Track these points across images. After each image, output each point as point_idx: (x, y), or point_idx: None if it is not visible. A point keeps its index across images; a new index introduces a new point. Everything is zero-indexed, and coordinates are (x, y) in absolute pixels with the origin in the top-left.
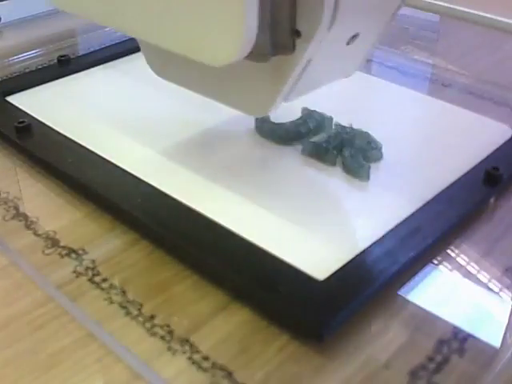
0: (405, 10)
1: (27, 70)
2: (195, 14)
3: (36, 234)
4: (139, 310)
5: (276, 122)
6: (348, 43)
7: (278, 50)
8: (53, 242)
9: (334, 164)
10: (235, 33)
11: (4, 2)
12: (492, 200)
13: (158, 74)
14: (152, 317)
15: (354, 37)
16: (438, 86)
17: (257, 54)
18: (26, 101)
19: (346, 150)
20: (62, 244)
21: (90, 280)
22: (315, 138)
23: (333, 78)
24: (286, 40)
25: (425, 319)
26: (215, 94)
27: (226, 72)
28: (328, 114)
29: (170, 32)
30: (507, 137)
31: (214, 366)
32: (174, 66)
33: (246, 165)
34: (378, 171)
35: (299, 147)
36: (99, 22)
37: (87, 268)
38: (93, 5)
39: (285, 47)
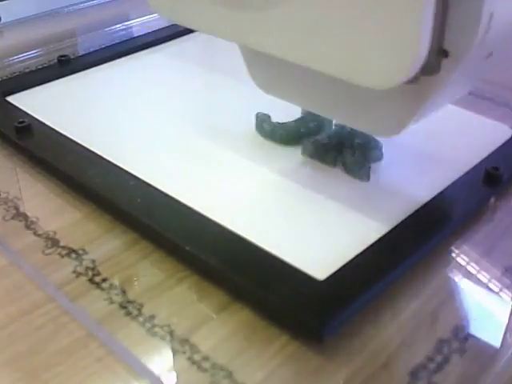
0: None
1: (27, 70)
2: (360, 33)
3: (36, 234)
4: (139, 310)
5: (276, 122)
6: (482, 62)
7: (423, 71)
8: (53, 242)
9: (333, 164)
10: (409, 52)
11: (4, 2)
12: (492, 200)
13: (264, 89)
14: (152, 317)
15: (489, 55)
16: None
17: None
18: (26, 101)
19: (346, 150)
20: (61, 244)
21: (90, 280)
22: (315, 138)
23: (458, 96)
24: (433, 60)
25: (425, 319)
26: (336, 113)
27: (352, 92)
28: None
29: (325, 52)
30: (507, 137)
31: (214, 366)
32: (286, 82)
33: (245, 165)
34: (378, 171)
35: (299, 147)
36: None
37: (87, 268)
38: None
39: (431, 67)
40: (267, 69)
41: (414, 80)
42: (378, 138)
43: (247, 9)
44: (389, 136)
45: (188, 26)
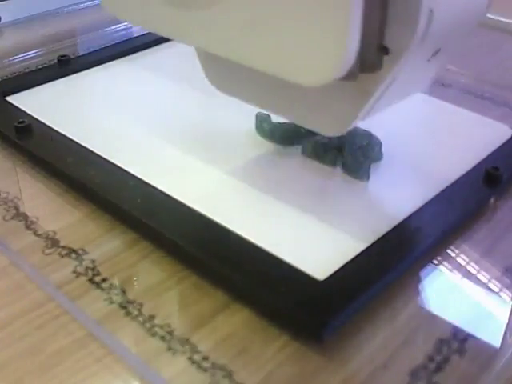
0: None
1: (27, 70)
2: (290, 31)
3: (36, 234)
4: (139, 310)
5: (276, 122)
6: (429, 59)
7: (364, 68)
8: (53, 242)
9: (333, 164)
10: (337, 50)
11: (4, 2)
12: (492, 200)
13: (218, 87)
14: (152, 317)
15: (436, 52)
16: (438, 86)
17: (347, 73)
18: (26, 101)
19: (346, 150)
20: (61, 244)
21: (90, 280)
22: (315, 138)
23: (407, 95)
24: (374, 57)
25: (425, 319)
26: (286, 112)
27: (301, 90)
28: None
29: (259, 50)
30: (507, 137)
31: (214, 366)
32: (238, 81)
33: (245, 165)
34: (378, 171)
35: (299, 147)
36: (179, 40)
37: (87, 268)
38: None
39: (372, 65)
40: (220, 67)
41: (352, 77)
42: (376, 139)
43: (188, 8)
44: (335, 134)
45: (136, 25)
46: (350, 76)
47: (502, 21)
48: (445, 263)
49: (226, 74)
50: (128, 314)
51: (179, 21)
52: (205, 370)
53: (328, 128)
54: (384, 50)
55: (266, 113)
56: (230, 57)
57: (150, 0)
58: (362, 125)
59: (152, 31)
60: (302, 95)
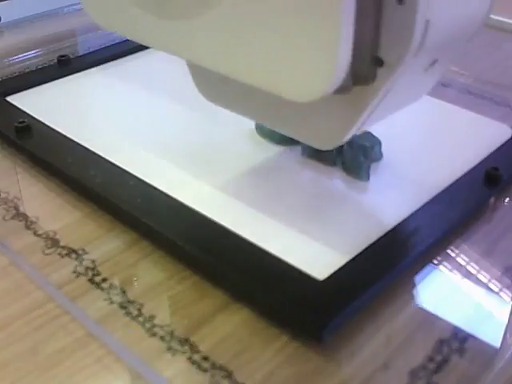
0: None
1: (27, 70)
2: (278, 44)
3: (36, 234)
4: (139, 310)
5: None
6: (426, 69)
7: (357, 80)
8: (53, 241)
9: (333, 164)
10: (327, 64)
11: (4, 2)
12: (492, 200)
13: (210, 99)
14: (152, 317)
15: (433, 63)
16: (438, 86)
17: (338, 88)
18: (25, 101)
19: (345, 150)
20: (61, 244)
21: (90, 280)
22: None
23: (404, 105)
24: (367, 69)
25: (425, 319)
26: (278, 125)
27: (294, 103)
28: None
29: (247, 63)
30: (507, 137)
31: (214, 366)
32: (229, 92)
33: (246, 165)
34: (378, 171)
35: (299, 147)
36: (168, 52)
37: (87, 268)
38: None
39: (365, 77)
40: (210, 78)
41: (344, 91)
42: (376, 139)
43: (174, 18)
44: (330, 147)
45: (119, 33)
46: (342, 89)
47: (502, 21)
48: (445, 263)
49: (216, 84)
50: (128, 313)
51: (165, 31)
52: (205, 370)
53: (321, 142)
54: (378, 62)
55: None
56: (217, 69)
57: (134, 9)
58: None
59: (137, 41)
60: (295, 108)
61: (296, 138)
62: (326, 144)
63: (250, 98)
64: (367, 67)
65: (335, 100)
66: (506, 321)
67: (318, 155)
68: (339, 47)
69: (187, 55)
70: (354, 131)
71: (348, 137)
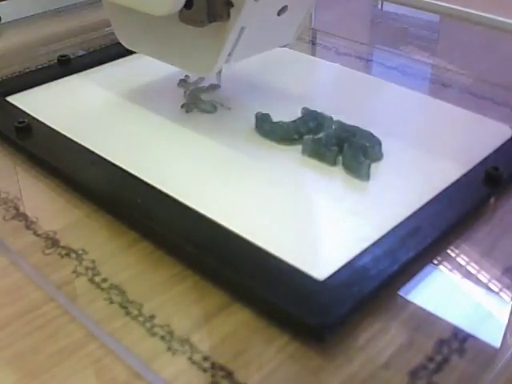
0: (405, 10)
1: (27, 70)
2: None
3: (36, 234)
4: (139, 310)
5: (276, 121)
6: (279, 14)
7: (215, 18)
8: (53, 241)
9: (334, 164)
10: None
11: (4, 2)
12: (492, 200)
13: (127, 44)
14: (152, 317)
15: (284, 8)
16: (438, 86)
17: (196, 20)
18: (26, 101)
19: (346, 149)
20: (61, 244)
21: (90, 280)
22: (315, 138)
23: (268, 46)
24: (221, 9)
25: (425, 319)
26: (169, 58)
27: (178, 38)
28: (328, 113)
29: None
30: (507, 137)
31: (214, 366)
32: (138, 36)
33: (246, 165)
34: (378, 171)
35: (299, 147)
36: None
37: (87, 268)
38: None
39: (220, 15)
40: (126, 24)
41: (202, 24)
42: (376, 139)
43: None
44: (204, 74)
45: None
46: (199, 24)
47: (502, 21)
48: (445, 263)
49: (131, 29)
50: (128, 313)
51: None
52: (205, 370)
53: (196, 68)
54: (230, 4)
55: (266, 112)
56: None
57: None
58: (362, 125)
59: None
60: (178, 41)
61: (181, 68)
62: (202, 71)
63: (154, 37)
64: (222, 8)
65: (203, 34)
66: (506, 321)
67: (318, 155)
68: None
69: None
70: (221, 62)
71: (218, 66)
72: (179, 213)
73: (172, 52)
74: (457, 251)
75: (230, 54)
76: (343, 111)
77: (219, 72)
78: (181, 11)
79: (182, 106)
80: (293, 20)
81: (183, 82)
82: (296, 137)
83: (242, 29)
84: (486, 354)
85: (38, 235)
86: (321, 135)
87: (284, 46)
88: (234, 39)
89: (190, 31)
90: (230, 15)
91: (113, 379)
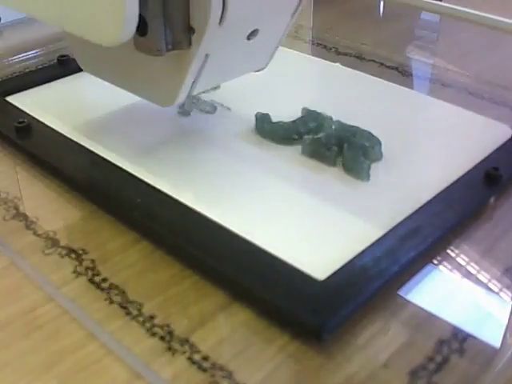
0: (405, 10)
1: (27, 70)
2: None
3: (36, 234)
4: (139, 310)
5: (276, 122)
6: (249, 38)
7: (175, 46)
8: (53, 241)
9: (333, 164)
10: (119, 19)
11: None
12: (492, 200)
13: (85, 68)
14: (152, 317)
15: (254, 32)
16: (438, 86)
17: (152, 49)
18: (26, 101)
19: (346, 150)
20: (61, 244)
21: (90, 280)
22: (315, 138)
23: (239, 72)
24: (182, 36)
25: (425, 319)
26: (130, 87)
27: (138, 66)
28: (328, 113)
29: (70, 15)
30: (507, 137)
31: (214, 366)
32: (97, 63)
33: (245, 165)
34: (378, 171)
35: (299, 147)
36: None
37: (87, 268)
38: None
39: (180, 43)
40: (85, 49)
41: (159, 53)
42: (376, 139)
43: None
44: (168, 104)
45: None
46: (156, 52)
47: (502, 21)
48: (445, 263)
49: (91, 56)
50: (128, 313)
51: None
52: (205, 370)
53: (160, 99)
54: (190, 30)
55: (266, 113)
56: (49, 21)
57: None
58: (362, 125)
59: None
60: (140, 72)
61: (143, 98)
62: (165, 101)
63: (113, 64)
64: (182, 34)
65: (165, 63)
66: (506, 321)
67: (317, 155)
68: (126, 5)
69: (28, 11)
70: (185, 91)
71: (182, 97)
72: (179, 213)
73: (133, 81)
74: (457, 251)
75: (194, 82)
76: (343, 111)
77: (189, 98)
78: (135, 38)
79: (182, 106)
80: (266, 43)
81: None
82: (296, 137)
83: (207, 56)
84: (485, 354)
85: (38, 235)
86: (321, 135)
87: (258, 71)
88: (198, 67)
89: (150, 59)
90: (192, 42)
91: (113, 379)
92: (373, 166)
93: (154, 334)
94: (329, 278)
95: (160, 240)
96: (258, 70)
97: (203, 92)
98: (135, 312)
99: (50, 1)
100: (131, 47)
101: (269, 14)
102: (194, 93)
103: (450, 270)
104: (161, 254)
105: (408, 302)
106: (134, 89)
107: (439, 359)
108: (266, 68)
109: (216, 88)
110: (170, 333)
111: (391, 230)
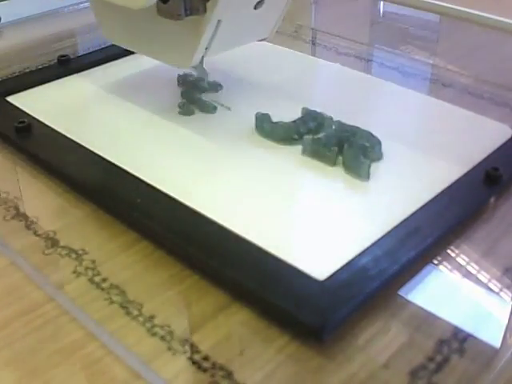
0: (405, 10)
1: (27, 70)
2: None
3: (36, 234)
4: (139, 310)
5: (276, 122)
6: (256, 8)
7: (192, 12)
8: (53, 242)
9: (334, 164)
10: None
11: (4, 2)
12: (492, 200)
13: (108, 37)
14: (152, 317)
15: (260, 2)
16: (438, 86)
17: (173, 14)
18: (26, 101)
19: (346, 150)
20: (61, 244)
21: (90, 280)
22: (315, 138)
23: (245, 40)
24: (198, 3)
25: (425, 319)
26: (148, 50)
27: (158, 32)
28: (328, 113)
29: None
30: (507, 137)
31: (214, 366)
32: (119, 29)
33: (246, 165)
34: (378, 171)
35: (299, 147)
36: None
37: (87, 268)
38: None
39: (197, 9)
40: (111, 22)
41: (179, 18)
42: (376, 139)
43: None
44: (183, 66)
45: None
46: (176, 17)
47: (502, 21)
48: (445, 263)
49: (113, 23)
50: (128, 313)
51: None
52: (205, 370)
53: (176, 61)
54: None
55: (266, 113)
56: None
57: None
58: (362, 125)
59: None
60: (157, 34)
61: (160, 60)
62: (182, 63)
63: (135, 32)
64: (199, 1)
65: (181, 27)
66: (506, 321)
67: (318, 155)
68: None
69: None
70: (199, 54)
71: (196, 59)
72: (179, 213)
73: (151, 45)
74: (457, 251)
75: (207, 48)
76: (343, 111)
77: (201, 64)
78: (158, 5)
79: (182, 106)
80: (270, 14)
81: (182, 80)
82: (296, 137)
83: (219, 22)
84: (485, 354)
85: (38, 235)
86: (321, 135)
87: (262, 40)
88: (211, 32)
89: (169, 24)
90: (207, 9)
91: (113, 379)
92: (373, 165)
93: (154, 334)
94: (329, 278)
95: (160, 240)
96: (261, 40)
97: (205, 92)
98: (135, 312)
99: None
100: (151, 14)
101: None
102: (207, 56)
103: (450, 270)
104: (161, 254)
105: (408, 302)
106: (153, 53)
107: (439, 359)
108: (268, 37)
109: (216, 88)
110: (170, 333)
111: (391, 230)
